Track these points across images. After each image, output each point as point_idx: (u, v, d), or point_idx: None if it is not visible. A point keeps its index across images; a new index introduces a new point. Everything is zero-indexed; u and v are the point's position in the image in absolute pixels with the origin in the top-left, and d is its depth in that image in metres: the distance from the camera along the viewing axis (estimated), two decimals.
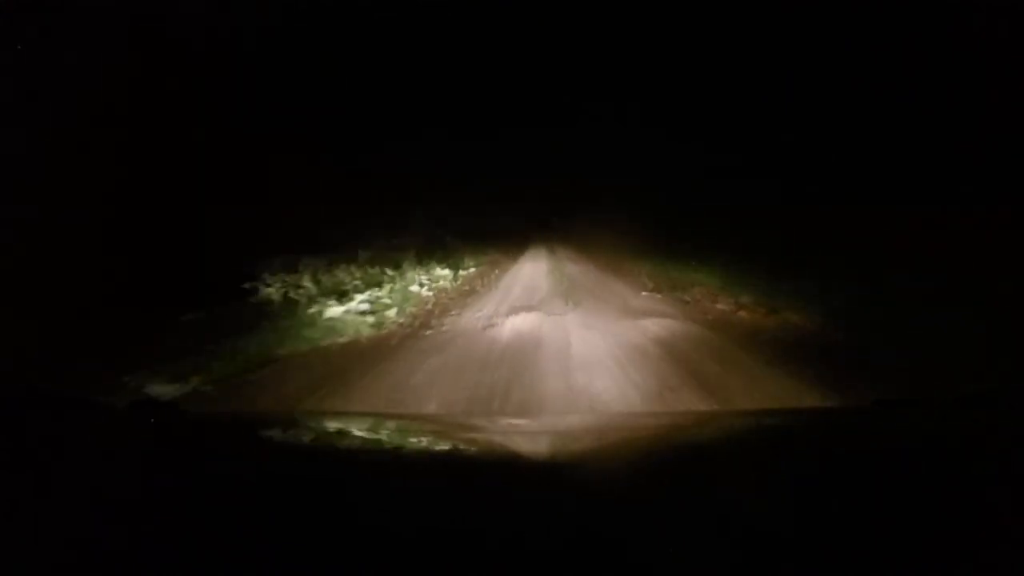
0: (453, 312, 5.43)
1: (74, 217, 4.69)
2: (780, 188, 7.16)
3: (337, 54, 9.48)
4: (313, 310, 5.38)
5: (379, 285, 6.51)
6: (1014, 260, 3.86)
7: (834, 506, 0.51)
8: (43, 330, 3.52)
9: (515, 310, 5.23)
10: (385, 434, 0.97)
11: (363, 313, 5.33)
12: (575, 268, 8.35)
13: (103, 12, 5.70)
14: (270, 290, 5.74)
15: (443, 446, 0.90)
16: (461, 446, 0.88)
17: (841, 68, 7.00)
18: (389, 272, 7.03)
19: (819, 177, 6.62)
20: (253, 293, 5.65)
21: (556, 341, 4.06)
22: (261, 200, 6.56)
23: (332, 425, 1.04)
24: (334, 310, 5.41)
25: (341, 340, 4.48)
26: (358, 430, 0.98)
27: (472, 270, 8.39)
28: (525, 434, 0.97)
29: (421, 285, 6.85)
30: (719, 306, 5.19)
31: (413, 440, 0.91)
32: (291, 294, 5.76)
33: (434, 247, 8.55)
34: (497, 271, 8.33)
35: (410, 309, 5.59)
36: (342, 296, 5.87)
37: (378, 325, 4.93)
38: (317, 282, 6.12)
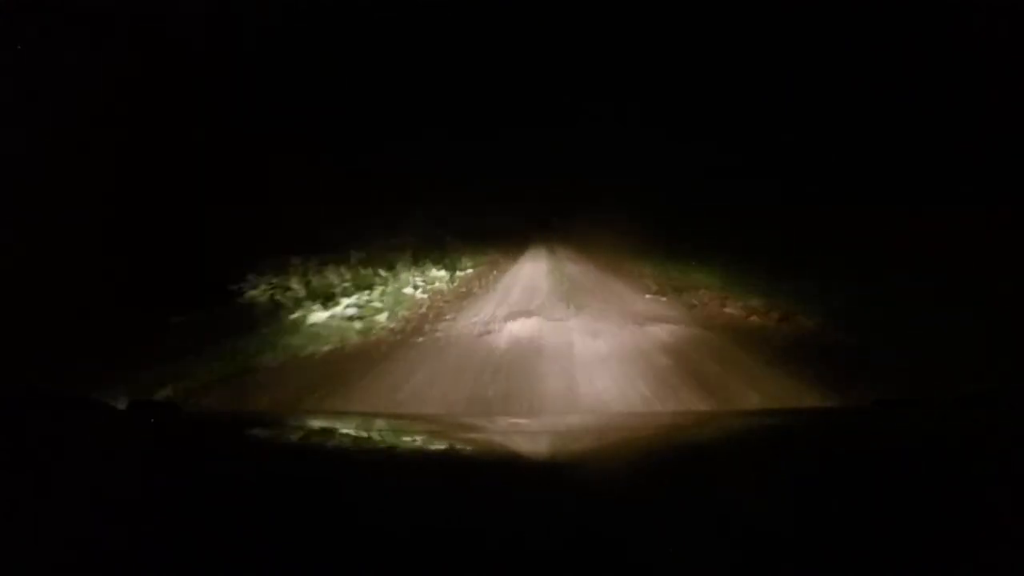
0: (448, 316, 5.14)
1: (74, 217, 4.68)
2: (780, 188, 7.16)
3: (337, 54, 9.48)
4: (296, 315, 5.04)
5: (370, 287, 6.19)
6: (1014, 260, 3.86)
7: (834, 506, 0.51)
8: (43, 330, 3.51)
9: (514, 315, 4.97)
10: (384, 434, 0.97)
11: (350, 318, 4.99)
12: (575, 268, 8.28)
13: (103, 12, 5.69)
14: (255, 292, 5.40)
15: (442, 445, 0.90)
16: (460, 446, 0.88)
17: (841, 68, 7.00)
18: (382, 273, 6.73)
19: (819, 177, 6.62)
20: (239, 295, 5.35)
21: (557, 348, 3.86)
22: (261, 200, 6.54)
23: (332, 425, 1.04)
24: (318, 315, 5.07)
25: (324, 348, 4.17)
26: (358, 430, 0.98)
27: (470, 271, 8.19)
28: (524, 434, 0.97)
29: (415, 287, 6.60)
30: (728, 310, 5.03)
31: (412, 440, 0.91)
32: (278, 297, 5.40)
33: (432, 247, 8.40)
34: (496, 272, 8.15)
35: (403, 313, 5.31)
36: (328, 300, 5.50)
37: (366, 331, 4.64)
38: (306, 284, 5.74)
